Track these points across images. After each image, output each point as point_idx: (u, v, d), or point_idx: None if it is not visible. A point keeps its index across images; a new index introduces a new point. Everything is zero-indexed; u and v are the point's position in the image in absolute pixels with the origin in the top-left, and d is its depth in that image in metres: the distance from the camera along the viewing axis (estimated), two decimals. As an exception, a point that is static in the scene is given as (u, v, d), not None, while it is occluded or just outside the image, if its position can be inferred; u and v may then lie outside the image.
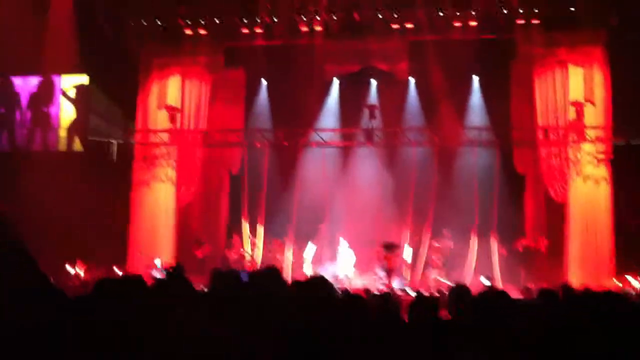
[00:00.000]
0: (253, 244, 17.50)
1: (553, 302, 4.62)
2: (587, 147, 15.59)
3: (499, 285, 15.39)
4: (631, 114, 15.20)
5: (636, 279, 14.16)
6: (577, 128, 15.56)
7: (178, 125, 17.20)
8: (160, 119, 17.30)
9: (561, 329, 2.04)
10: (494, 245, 16.58)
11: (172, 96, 17.26)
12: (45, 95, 18.15)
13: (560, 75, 15.93)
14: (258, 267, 16.45)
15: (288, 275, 15.88)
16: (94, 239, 15.51)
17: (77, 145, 18.09)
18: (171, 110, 16.98)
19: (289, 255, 17.26)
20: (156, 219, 17.00)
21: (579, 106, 15.40)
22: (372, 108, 16.92)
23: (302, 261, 16.96)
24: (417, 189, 17.20)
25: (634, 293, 13.03)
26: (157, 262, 15.78)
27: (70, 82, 18.25)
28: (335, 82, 18.53)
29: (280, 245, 17.36)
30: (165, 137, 17.30)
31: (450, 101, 17.54)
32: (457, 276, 15.66)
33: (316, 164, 17.81)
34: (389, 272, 15.82)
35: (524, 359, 2.57)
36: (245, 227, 17.65)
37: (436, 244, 16.53)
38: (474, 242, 16.59)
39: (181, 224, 17.61)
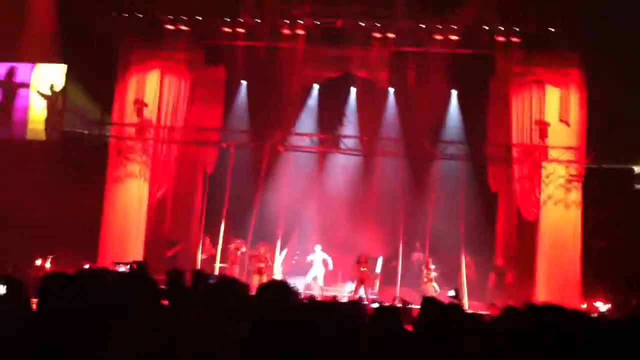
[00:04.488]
0: (235, 248, 17.13)
1: (515, 318, 4.59)
2: (560, 169, 15.67)
3: (466, 300, 15.43)
4: (604, 138, 15.28)
5: (604, 303, 14.26)
6: (545, 149, 15.64)
7: (153, 119, 16.98)
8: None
9: (519, 342, 2.00)
10: (464, 261, 16.60)
11: (151, 91, 17.01)
12: (16, 83, 17.69)
13: (537, 95, 15.98)
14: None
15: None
16: (67, 234, 15.30)
17: (41, 136, 17.64)
18: (138, 104, 16.75)
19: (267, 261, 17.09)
20: (128, 215, 16.75)
21: (544, 126, 15.48)
22: (340, 116, 16.97)
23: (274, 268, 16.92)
24: (391, 200, 17.19)
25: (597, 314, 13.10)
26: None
27: (45, 72, 17.82)
28: (315, 88, 18.52)
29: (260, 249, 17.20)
30: (133, 131, 17.07)
31: (428, 113, 17.59)
32: (424, 290, 15.67)
33: (292, 169, 17.73)
34: (359, 283, 15.87)
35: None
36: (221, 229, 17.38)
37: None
38: (445, 257, 16.60)
39: (153, 221, 17.42)
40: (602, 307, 14.16)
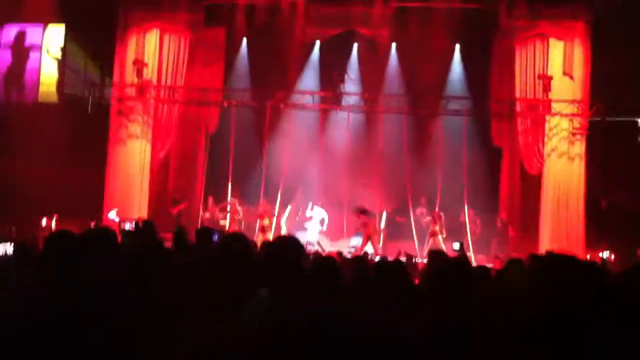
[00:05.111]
0: (233, 206, 17.27)
1: (519, 269, 4.67)
2: (563, 122, 15.64)
3: (471, 254, 15.56)
4: (609, 91, 15.18)
5: (609, 254, 14.34)
6: (549, 103, 15.60)
7: (153, 79, 16.92)
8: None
9: (524, 294, 2.02)
10: (468, 215, 16.70)
11: (150, 51, 16.95)
12: (26, 45, 17.57)
13: (541, 49, 15.89)
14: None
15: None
16: (72, 195, 15.41)
17: (53, 98, 17.65)
18: (138, 64, 16.68)
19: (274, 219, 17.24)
20: (131, 175, 16.83)
21: (547, 80, 15.40)
22: (340, 73, 16.89)
23: (279, 225, 17.07)
24: (394, 156, 17.21)
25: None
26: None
27: (55, 34, 17.64)
28: (317, 45, 18.39)
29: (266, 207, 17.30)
30: (134, 92, 17.02)
31: (431, 69, 17.48)
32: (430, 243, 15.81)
33: (294, 127, 17.71)
34: (365, 238, 15.94)
35: (483, 327, 2.58)
36: (228, 188, 17.51)
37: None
38: (449, 212, 16.68)
39: (156, 180, 17.53)
40: (605, 257, 14.22)
